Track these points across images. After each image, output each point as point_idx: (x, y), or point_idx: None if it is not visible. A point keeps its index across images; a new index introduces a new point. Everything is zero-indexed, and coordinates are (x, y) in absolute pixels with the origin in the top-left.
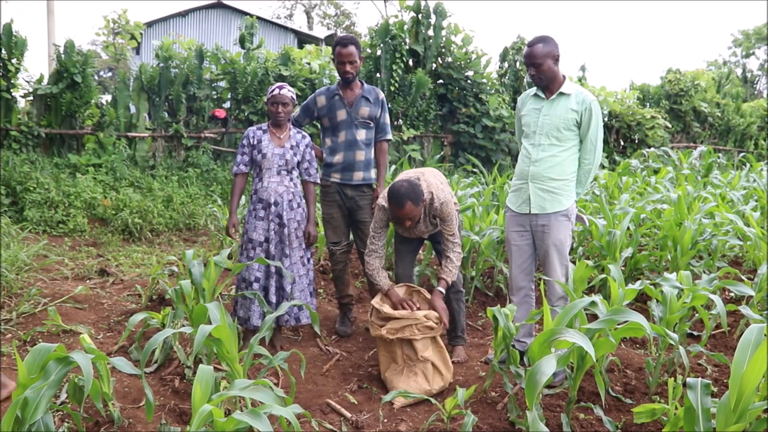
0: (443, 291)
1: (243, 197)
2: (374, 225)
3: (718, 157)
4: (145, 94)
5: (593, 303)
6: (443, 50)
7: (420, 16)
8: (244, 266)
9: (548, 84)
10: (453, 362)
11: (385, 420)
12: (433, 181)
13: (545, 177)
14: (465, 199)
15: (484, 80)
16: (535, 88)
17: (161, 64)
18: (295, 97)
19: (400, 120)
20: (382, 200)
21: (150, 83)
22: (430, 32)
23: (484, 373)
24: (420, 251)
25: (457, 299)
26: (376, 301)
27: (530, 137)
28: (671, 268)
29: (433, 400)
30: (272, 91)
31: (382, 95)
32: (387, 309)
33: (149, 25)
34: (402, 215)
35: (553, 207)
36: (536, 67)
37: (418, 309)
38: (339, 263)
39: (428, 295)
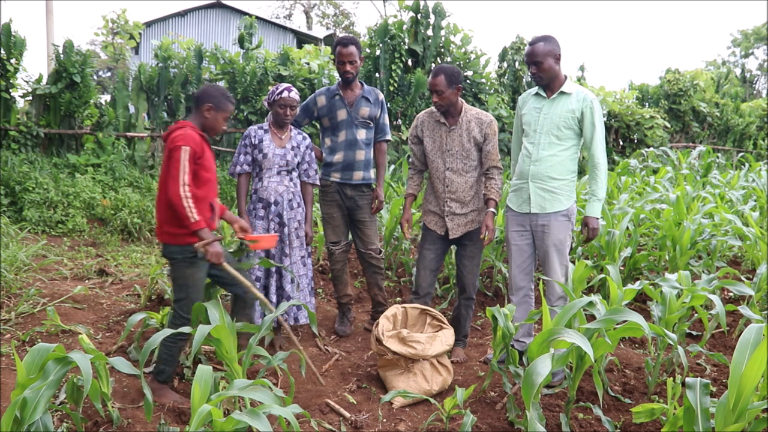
0: (495, 211)
1: None
2: (409, 138)
3: (717, 157)
4: (144, 93)
5: (591, 303)
6: (442, 50)
7: (419, 15)
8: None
9: (549, 83)
10: (452, 362)
11: (385, 420)
12: None
13: (546, 176)
14: None
15: (483, 80)
16: (536, 87)
17: (160, 64)
18: (299, 98)
19: (399, 120)
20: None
21: (149, 83)
22: (429, 32)
23: (483, 373)
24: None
25: (467, 305)
26: (382, 335)
27: (531, 136)
28: (670, 268)
29: (432, 400)
30: (280, 93)
31: (381, 96)
32: (394, 346)
33: (148, 25)
34: (432, 84)
35: (553, 207)
36: (537, 66)
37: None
38: (338, 263)
39: (441, 317)
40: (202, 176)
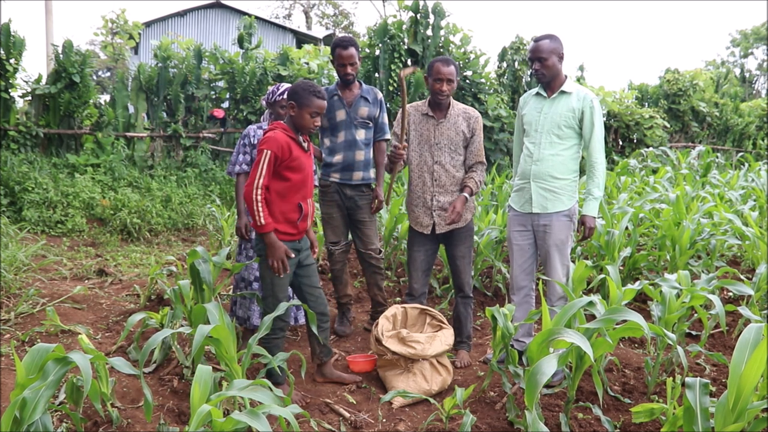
0: (467, 196)
1: None
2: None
3: (717, 157)
4: (143, 94)
5: (591, 303)
6: (442, 50)
7: (418, 15)
8: (243, 266)
9: (550, 81)
10: (457, 367)
11: (384, 420)
12: None
13: (547, 176)
14: None
15: (483, 80)
16: (537, 87)
17: (160, 64)
18: None
19: None
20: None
21: (148, 83)
22: (429, 32)
23: (482, 373)
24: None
25: (465, 304)
26: (382, 335)
27: (532, 136)
28: (670, 267)
29: (431, 400)
30: (283, 94)
31: (380, 95)
32: (393, 346)
33: (148, 25)
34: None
35: (554, 207)
36: (541, 62)
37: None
38: (338, 263)
39: (441, 317)
40: (288, 177)
